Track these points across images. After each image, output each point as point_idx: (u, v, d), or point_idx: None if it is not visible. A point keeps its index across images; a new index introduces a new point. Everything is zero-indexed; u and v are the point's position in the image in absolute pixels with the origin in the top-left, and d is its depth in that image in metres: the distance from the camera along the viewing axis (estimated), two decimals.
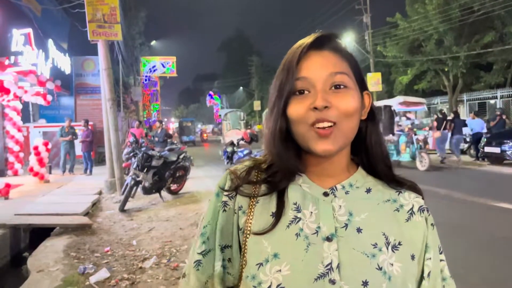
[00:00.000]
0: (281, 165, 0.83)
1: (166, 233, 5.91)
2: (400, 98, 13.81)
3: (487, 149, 12.63)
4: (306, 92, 0.79)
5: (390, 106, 14.23)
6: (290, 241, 0.77)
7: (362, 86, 0.84)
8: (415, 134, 12.25)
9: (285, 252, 0.77)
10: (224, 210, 0.84)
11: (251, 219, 0.81)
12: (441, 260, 0.85)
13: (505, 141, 12.14)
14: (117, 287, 3.98)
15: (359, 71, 0.84)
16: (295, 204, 0.81)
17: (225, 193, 0.85)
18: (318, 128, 0.77)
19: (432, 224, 0.86)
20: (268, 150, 0.86)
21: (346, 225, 0.79)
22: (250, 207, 0.83)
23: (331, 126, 0.77)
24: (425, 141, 12.35)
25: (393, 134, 13.34)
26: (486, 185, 9.45)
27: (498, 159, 12.49)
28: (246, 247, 0.81)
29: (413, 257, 0.80)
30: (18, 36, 8.99)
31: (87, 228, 6.14)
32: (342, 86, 0.78)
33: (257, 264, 0.77)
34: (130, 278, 4.18)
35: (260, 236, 0.79)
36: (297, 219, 0.79)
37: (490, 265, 4.35)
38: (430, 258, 0.83)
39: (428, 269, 0.82)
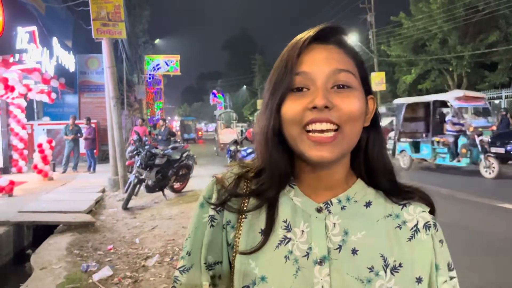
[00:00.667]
0: (270, 169, 0.75)
1: (169, 232, 5.92)
2: (459, 92, 11.84)
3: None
4: (305, 89, 0.70)
5: (443, 102, 12.18)
6: (279, 264, 0.71)
7: (367, 89, 0.75)
8: (480, 135, 10.52)
9: (273, 276, 0.71)
10: (212, 226, 0.77)
11: (239, 235, 0.75)
12: (451, 278, 0.76)
13: (509, 141, 12.08)
14: (120, 285, 3.99)
15: (365, 72, 0.76)
16: (285, 222, 0.74)
17: (212, 206, 0.78)
18: (313, 131, 0.68)
19: (440, 241, 0.76)
20: (258, 152, 0.77)
21: (340, 246, 0.72)
22: (239, 222, 0.76)
23: (335, 131, 0.68)
24: (488, 143, 10.78)
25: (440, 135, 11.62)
26: (490, 185, 9.41)
27: (503, 159, 12.43)
28: (233, 266, 0.75)
29: (419, 280, 0.72)
30: (23, 34, 9.00)
31: (90, 226, 6.15)
32: (346, 86, 0.70)
33: (243, 287, 0.72)
34: (133, 276, 4.19)
35: (247, 256, 0.73)
36: (287, 240, 0.73)
37: (494, 267, 4.34)
38: (445, 281, 0.74)
39: None
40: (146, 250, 5.09)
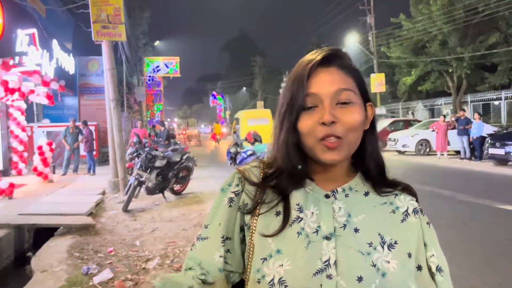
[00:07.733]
0: (291, 171, 0.89)
1: (170, 234, 5.91)
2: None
3: (492, 151, 12.57)
4: (314, 107, 0.84)
5: None
6: (292, 238, 0.84)
7: (365, 98, 0.90)
8: None
9: (287, 248, 0.83)
10: (230, 206, 0.91)
11: (256, 217, 0.88)
12: (438, 253, 0.90)
13: (509, 142, 12.08)
14: None
15: (363, 85, 0.90)
16: (297, 205, 0.87)
17: (232, 190, 0.92)
18: (326, 141, 0.83)
19: (428, 223, 0.91)
20: (280, 158, 0.90)
21: (345, 225, 0.85)
22: (255, 206, 0.89)
23: (338, 139, 0.83)
24: None
25: None
26: (490, 186, 9.41)
27: (502, 161, 12.43)
28: (252, 242, 0.87)
29: (409, 255, 0.85)
30: (23, 37, 9.00)
31: (91, 228, 6.15)
32: (348, 102, 0.84)
33: (261, 259, 0.84)
34: (134, 278, 4.19)
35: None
36: (299, 219, 0.86)
37: (494, 267, 4.33)
38: (433, 255, 0.88)
39: (434, 265, 0.88)
40: (147, 252, 5.08)
